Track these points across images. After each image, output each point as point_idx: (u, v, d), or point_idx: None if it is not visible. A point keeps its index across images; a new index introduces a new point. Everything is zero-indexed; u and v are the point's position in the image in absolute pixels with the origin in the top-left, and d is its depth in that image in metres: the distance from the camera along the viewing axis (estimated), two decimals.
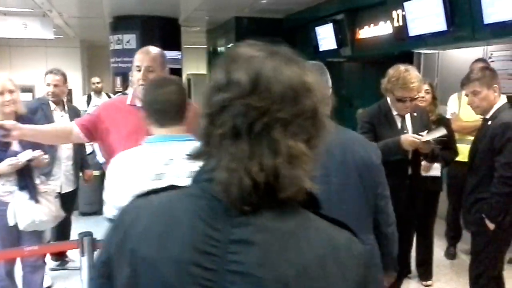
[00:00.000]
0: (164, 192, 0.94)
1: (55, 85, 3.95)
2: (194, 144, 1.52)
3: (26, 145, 2.95)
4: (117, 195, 1.70)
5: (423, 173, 3.49)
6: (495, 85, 2.87)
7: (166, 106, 1.67)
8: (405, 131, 3.05)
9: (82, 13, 8.94)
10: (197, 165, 1.38)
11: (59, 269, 4.28)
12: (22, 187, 2.98)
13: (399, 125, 3.08)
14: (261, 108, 0.81)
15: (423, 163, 3.41)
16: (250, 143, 0.82)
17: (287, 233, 0.84)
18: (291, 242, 0.83)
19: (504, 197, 2.76)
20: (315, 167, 0.90)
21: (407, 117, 3.12)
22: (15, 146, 2.99)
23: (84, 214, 5.42)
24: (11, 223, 2.92)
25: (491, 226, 2.80)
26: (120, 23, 8.82)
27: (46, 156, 3.15)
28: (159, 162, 1.63)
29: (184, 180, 1.54)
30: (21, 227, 2.94)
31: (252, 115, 0.81)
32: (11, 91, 3.04)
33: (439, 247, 4.67)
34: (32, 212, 2.93)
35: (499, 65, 5.02)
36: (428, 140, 2.93)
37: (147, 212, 0.90)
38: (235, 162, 0.81)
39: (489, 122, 2.89)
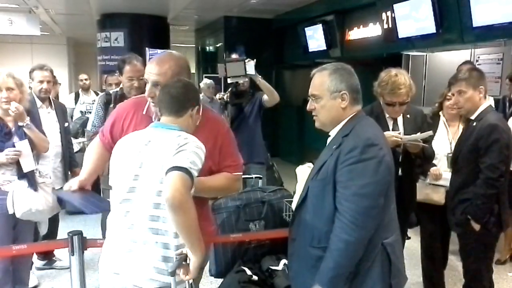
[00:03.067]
0: None
1: (48, 81, 3.88)
2: (174, 134, 1.84)
3: (24, 136, 3.04)
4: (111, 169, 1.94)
5: (433, 181, 3.38)
6: (481, 87, 2.86)
7: (163, 97, 1.93)
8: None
9: (69, 9, 8.84)
10: (169, 147, 1.75)
11: (46, 269, 4.21)
12: (21, 176, 2.99)
13: (390, 127, 3.09)
14: None
15: (433, 170, 3.38)
16: None
17: None
18: None
19: (490, 198, 2.78)
20: None
21: (399, 119, 3.13)
22: (15, 139, 3.01)
23: (71, 213, 5.34)
24: (10, 211, 2.94)
25: (477, 227, 2.81)
26: (108, 21, 8.72)
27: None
28: (141, 142, 1.89)
29: (157, 158, 1.77)
30: (17, 214, 2.96)
31: None
32: (9, 89, 2.98)
33: None
34: (30, 200, 2.96)
35: (486, 68, 5.07)
36: (417, 140, 2.94)
37: None
38: None
39: (474, 123, 2.88)
